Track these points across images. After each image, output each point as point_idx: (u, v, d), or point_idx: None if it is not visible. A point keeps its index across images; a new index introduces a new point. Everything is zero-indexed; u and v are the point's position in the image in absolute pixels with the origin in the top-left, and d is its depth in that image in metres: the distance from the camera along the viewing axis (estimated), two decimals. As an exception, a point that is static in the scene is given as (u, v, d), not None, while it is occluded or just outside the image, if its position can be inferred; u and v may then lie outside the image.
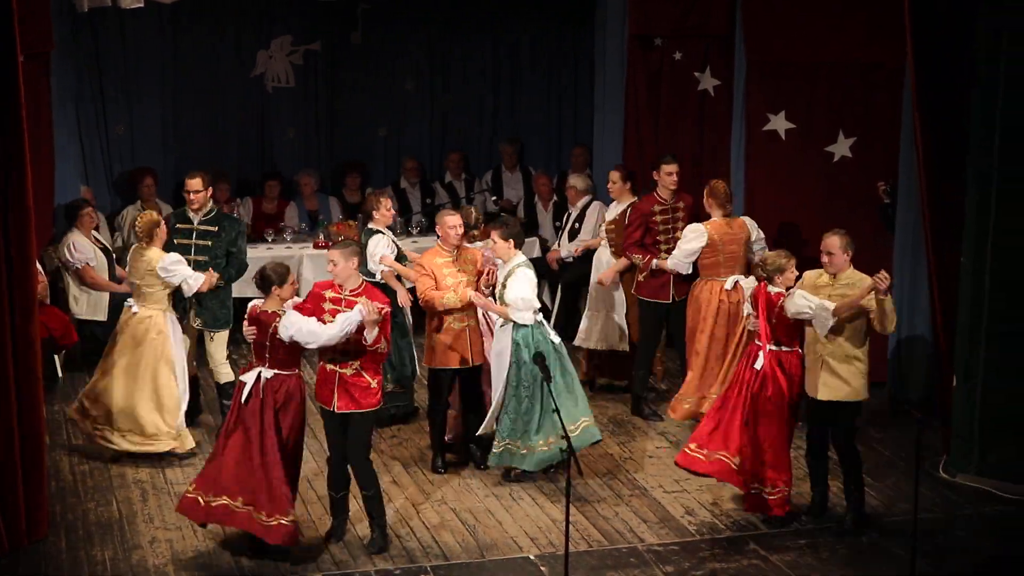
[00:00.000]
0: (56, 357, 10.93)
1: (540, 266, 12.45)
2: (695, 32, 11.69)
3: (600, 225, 12.18)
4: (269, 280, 7.83)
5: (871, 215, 10.32)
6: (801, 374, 8.34)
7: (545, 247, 12.61)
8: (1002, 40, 8.53)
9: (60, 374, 11.00)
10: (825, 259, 8.32)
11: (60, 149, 11.32)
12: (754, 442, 8.29)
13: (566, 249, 12.21)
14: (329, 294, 7.99)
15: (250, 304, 7.95)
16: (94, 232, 11.23)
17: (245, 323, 7.90)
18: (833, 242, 8.29)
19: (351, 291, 7.92)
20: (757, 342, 8.41)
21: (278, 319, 7.75)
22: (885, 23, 9.88)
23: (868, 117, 10.47)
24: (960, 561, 7.94)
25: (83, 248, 10.99)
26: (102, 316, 11.06)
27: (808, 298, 8.16)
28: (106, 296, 11.04)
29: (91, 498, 8.75)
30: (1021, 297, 8.80)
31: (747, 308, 8.68)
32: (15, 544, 7.89)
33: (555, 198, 12.98)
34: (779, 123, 10.88)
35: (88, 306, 11.05)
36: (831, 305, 8.13)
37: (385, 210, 9.87)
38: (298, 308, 7.91)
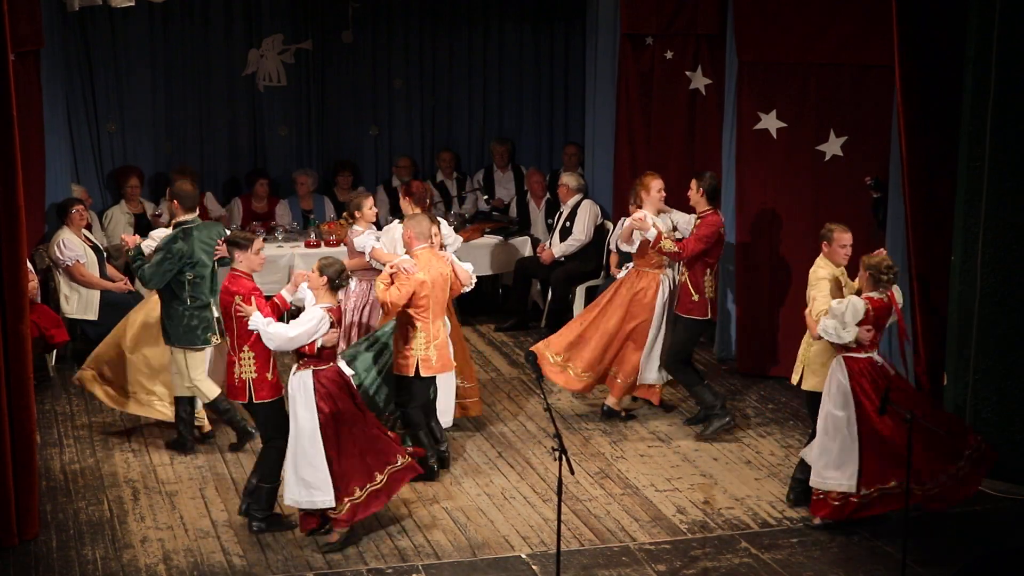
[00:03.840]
0: (47, 356, 10.91)
1: (531, 264, 12.52)
2: (686, 31, 11.70)
3: (593, 224, 12.22)
4: (337, 278, 8.02)
5: (862, 213, 10.34)
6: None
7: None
8: (993, 35, 8.54)
9: (51, 373, 10.97)
10: (849, 252, 8.53)
11: (51, 148, 11.30)
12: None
13: (559, 248, 12.23)
14: (249, 285, 8.21)
15: (326, 309, 7.91)
16: (85, 231, 11.21)
17: (333, 330, 7.92)
18: (851, 236, 8.55)
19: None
20: (872, 353, 8.20)
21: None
22: (877, 23, 9.89)
23: (859, 117, 10.47)
24: (950, 559, 7.94)
25: (72, 245, 10.97)
26: (93, 315, 11.04)
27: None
28: (97, 295, 11.03)
29: (82, 497, 8.73)
30: (1011, 296, 8.82)
31: (854, 331, 8.09)
32: (5, 543, 7.88)
33: (548, 196, 13.00)
34: (770, 122, 10.89)
35: (79, 305, 11.03)
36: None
37: (367, 210, 9.89)
38: (277, 302, 8.22)
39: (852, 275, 8.56)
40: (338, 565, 7.83)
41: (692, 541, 8.22)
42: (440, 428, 9.20)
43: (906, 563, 7.53)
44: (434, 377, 9.03)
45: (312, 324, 7.82)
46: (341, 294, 8.39)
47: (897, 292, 8.30)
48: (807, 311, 8.39)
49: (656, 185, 9.82)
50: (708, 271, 9.69)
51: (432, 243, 9.02)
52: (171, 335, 9.22)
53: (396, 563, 7.87)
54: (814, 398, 8.45)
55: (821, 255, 8.55)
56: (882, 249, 8.60)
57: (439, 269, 8.93)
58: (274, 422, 8.14)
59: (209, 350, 9.29)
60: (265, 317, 7.90)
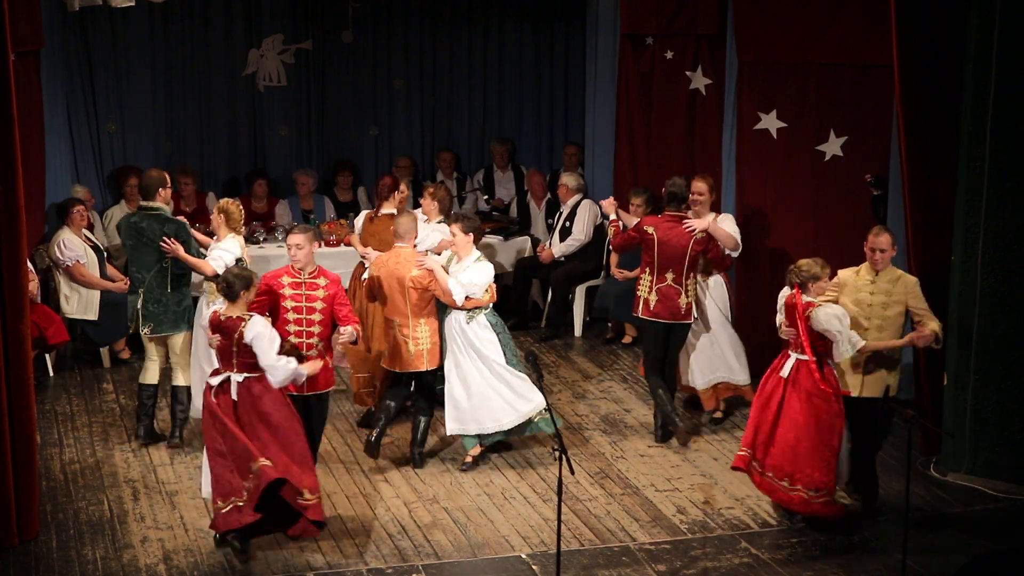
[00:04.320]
0: (47, 356, 10.91)
1: (531, 264, 12.52)
2: (686, 31, 11.70)
3: (592, 224, 12.22)
4: (234, 287, 7.87)
5: (862, 213, 10.34)
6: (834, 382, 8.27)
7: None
8: (993, 35, 8.54)
9: (51, 373, 10.98)
10: (877, 257, 8.44)
11: (51, 148, 11.31)
12: (795, 447, 8.18)
13: (559, 248, 12.23)
14: (287, 280, 8.40)
15: (210, 311, 8.03)
16: (85, 231, 11.21)
17: (208, 331, 8.00)
18: (885, 240, 8.45)
19: (309, 274, 8.46)
20: (791, 352, 8.26)
21: (244, 324, 7.79)
22: (877, 23, 9.89)
23: (859, 117, 10.47)
24: (950, 559, 7.94)
25: (73, 245, 10.97)
26: (93, 315, 11.04)
27: (843, 322, 8.10)
28: (97, 295, 11.02)
29: (82, 497, 8.74)
30: (1011, 296, 8.82)
31: (779, 317, 8.42)
32: (5, 543, 7.88)
33: (548, 196, 13.01)
34: (770, 122, 10.89)
35: (79, 305, 11.02)
36: (861, 343, 8.17)
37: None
38: (256, 301, 8.16)
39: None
40: (338, 565, 7.83)
41: (692, 541, 8.23)
42: (424, 427, 9.24)
43: (906, 563, 7.53)
44: (395, 371, 9.17)
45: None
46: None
47: (825, 315, 8.06)
48: None
49: (692, 187, 9.85)
50: (647, 270, 9.64)
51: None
52: None
53: (396, 563, 7.87)
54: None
55: None
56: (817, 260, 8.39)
57: (391, 270, 9.05)
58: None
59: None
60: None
